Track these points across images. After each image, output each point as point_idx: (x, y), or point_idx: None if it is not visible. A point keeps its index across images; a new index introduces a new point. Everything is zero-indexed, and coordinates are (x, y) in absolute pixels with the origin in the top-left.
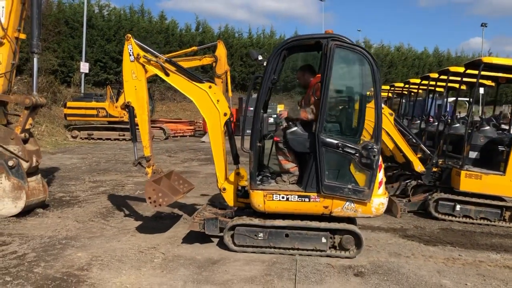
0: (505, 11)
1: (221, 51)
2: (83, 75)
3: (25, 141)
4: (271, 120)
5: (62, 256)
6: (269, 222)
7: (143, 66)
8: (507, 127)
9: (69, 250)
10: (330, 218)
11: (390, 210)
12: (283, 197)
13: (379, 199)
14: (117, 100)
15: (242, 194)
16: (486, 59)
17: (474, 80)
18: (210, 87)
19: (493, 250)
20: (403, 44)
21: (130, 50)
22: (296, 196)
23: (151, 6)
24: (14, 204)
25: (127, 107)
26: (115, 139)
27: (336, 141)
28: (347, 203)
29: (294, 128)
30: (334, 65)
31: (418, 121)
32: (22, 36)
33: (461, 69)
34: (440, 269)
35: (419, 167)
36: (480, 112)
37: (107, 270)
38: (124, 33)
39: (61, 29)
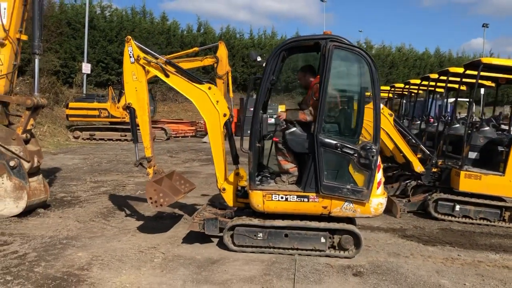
0: (507, 12)
1: (222, 52)
2: (85, 76)
3: (26, 141)
4: (272, 120)
5: (63, 255)
6: (268, 222)
7: (143, 67)
8: (507, 128)
9: (69, 250)
10: (329, 218)
11: (389, 210)
12: (282, 197)
13: (377, 199)
14: (118, 100)
15: (241, 194)
16: (485, 60)
17: (474, 80)
18: (209, 88)
19: (492, 250)
20: (404, 45)
21: (130, 52)
22: (295, 196)
23: (152, 7)
24: (16, 204)
25: (128, 108)
26: (116, 140)
27: (334, 142)
28: (346, 203)
29: (293, 129)
30: (332, 66)
31: (418, 122)
32: (24, 37)
33: (460, 70)
34: (439, 269)
35: (418, 167)
36: (480, 112)
37: (107, 270)
38: (126, 34)
39: (63, 30)
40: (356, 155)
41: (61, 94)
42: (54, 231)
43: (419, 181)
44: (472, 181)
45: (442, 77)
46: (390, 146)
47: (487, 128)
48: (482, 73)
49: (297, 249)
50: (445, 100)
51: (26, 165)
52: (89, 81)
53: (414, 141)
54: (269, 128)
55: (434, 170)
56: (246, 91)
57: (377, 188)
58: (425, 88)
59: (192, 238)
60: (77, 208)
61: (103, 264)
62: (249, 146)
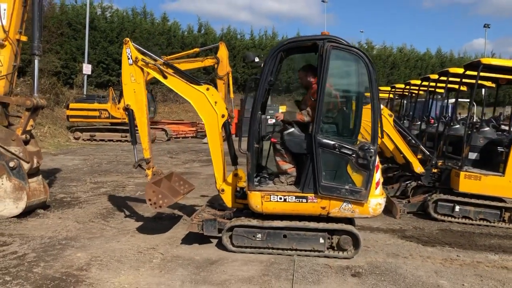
0: (508, 12)
1: (223, 52)
2: (85, 77)
3: (26, 142)
4: (273, 121)
5: (62, 256)
6: (267, 223)
7: (142, 69)
8: (507, 128)
9: (68, 251)
10: (328, 218)
11: (389, 211)
12: (280, 198)
13: (376, 200)
14: (119, 101)
15: (240, 195)
16: (485, 60)
17: (474, 81)
18: (207, 89)
19: (491, 251)
20: (405, 45)
21: (129, 54)
22: (294, 197)
23: (153, 7)
24: (15, 204)
25: (127, 110)
26: (117, 141)
27: (332, 142)
28: (344, 203)
29: (291, 129)
30: (330, 66)
31: (419, 122)
32: (23, 38)
33: (460, 70)
34: (437, 269)
35: (418, 168)
36: (481, 113)
37: (106, 270)
38: (126, 35)
39: (63, 30)
40: (354, 155)
41: (62, 95)
42: (53, 232)
43: (419, 182)
44: (472, 181)
45: (442, 78)
46: (390, 146)
47: (487, 128)
48: (482, 74)
49: (295, 249)
50: (446, 100)
51: (26, 166)
52: (90, 82)
53: (414, 141)
54: (269, 129)
55: (434, 170)
56: (244, 92)
57: (376, 188)
58: (426, 88)
59: (191, 239)
60: (76, 209)
61: (102, 264)
62: (247, 147)
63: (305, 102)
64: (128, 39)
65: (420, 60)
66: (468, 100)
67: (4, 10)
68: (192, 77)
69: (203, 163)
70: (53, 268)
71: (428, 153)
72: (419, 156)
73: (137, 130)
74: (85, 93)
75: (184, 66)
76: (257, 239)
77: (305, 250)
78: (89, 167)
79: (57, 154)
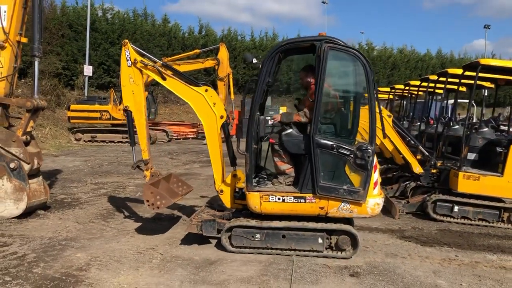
0: (508, 13)
1: (223, 54)
2: (86, 78)
3: (26, 143)
4: (272, 122)
5: (62, 256)
6: (266, 224)
7: (141, 71)
8: (506, 129)
9: (68, 251)
10: (326, 219)
11: (388, 211)
12: (279, 199)
13: (374, 200)
14: (120, 103)
15: (239, 195)
16: (483, 61)
17: (473, 82)
18: (206, 90)
19: (490, 251)
20: (406, 46)
21: (127, 55)
22: (292, 197)
23: (154, 9)
24: (16, 205)
25: (125, 111)
26: (118, 142)
27: (330, 143)
28: (343, 203)
29: (289, 130)
30: (327, 67)
31: (418, 123)
32: (24, 40)
33: (459, 71)
34: (436, 269)
35: (417, 168)
36: (480, 114)
37: (106, 271)
38: (127, 36)
39: (64, 32)
40: (352, 155)
41: (63, 97)
42: (53, 233)
43: (418, 182)
44: (470, 182)
45: (441, 79)
46: (390, 147)
47: (486, 129)
48: (481, 74)
49: (294, 250)
50: (445, 101)
51: (26, 167)
52: (91, 83)
53: (413, 142)
54: (267, 130)
55: (433, 171)
56: (248, 93)
57: (374, 188)
58: (425, 89)
59: (191, 239)
60: (77, 209)
61: (102, 265)
62: (246, 147)
63: (303, 102)
64: (127, 40)
65: (421, 61)
66: (467, 100)
67: (5, 12)
68: (190, 78)
69: (204, 164)
70: (52, 268)
71: (427, 154)
72: (418, 157)
73: (136, 131)
74: (86, 94)
75: (184, 67)
76: (256, 239)
77: (304, 250)
78: (90, 168)
79: (58, 155)
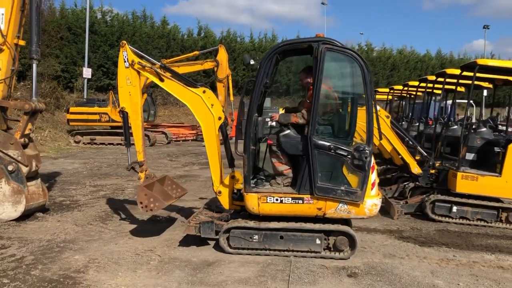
0: (507, 14)
1: (222, 55)
2: (85, 81)
3: (24, 146)
4: (273, 123)
5: (60, 259)
6: (264, 225)
7: (138, 72)
8: (504, 129)
9: (66, 253)
10: (324, 219)
11: (387, 212)
12: (277, 200)
13: (372, 200)
14: (119, 105)
15: (237, 197)
16: (481, 61)
17: (470, 82)
18: (204, 91)
19: (488, 250)
20: (405, 47)
21: (125, 57)
22: (290, 198)
23: (153, 11)
24: (14, 208)
25: (122, 112)
26: (117, 144)
27: (328, 144)
28: (340, 204)
29: (287, 131)
30: (325, 68)
31: (417, 124)
32: (22, 42)
33: (457, 71)
34: (433, 269)
35: (416, 169)
36: (479, 114)
37: (103, 272)
38: (126, 38)
39: (63, 34)
40: (349, 156)
41: (62, 99)
42: (52, 235)
43: (417, 183)
44: (469, 182)
45: (439, 79)
46: (388, 148)
47: (484, 129)
48: (479, 75)
49: (292, 250)
50: (444, 101)
51: (24, 170)
52: (90, 85)
53: (411, 143)
54: (265, 131)
55: (432, 171)
56: (247, 94)
57: (371, 189)
58: (423, 89)
59: (189, 241)
60: (75, 212)
61: (100, 266)
62: (244, 149)
63: (302, 104)
64: (125, 42)
65: (420, 62)
66: (466, 101)
67: (2, 14)
68: (188, 80)
69: (203, 166)
70: (50, 270)
71: (426, 154)
72: (417, 157)
73: (131, 132)
74: (85, 97)
75: (183, 69)
76: (254, 240)
77: (302, 251)
78: (89, 171)
79: (58, 158)
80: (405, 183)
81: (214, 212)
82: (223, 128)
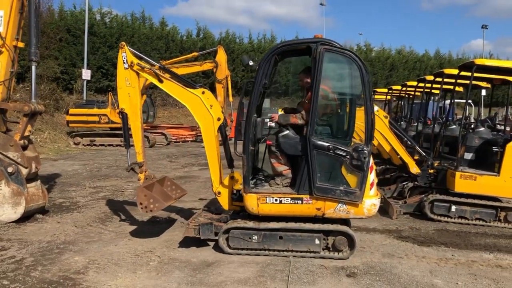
0: (505, 13)
1: (221, 56)
2: (85, 82)
3: (24, 147)
4: (272, 124)
5: (60, 260)
6: (263, 225)
7: (137, 73)
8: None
9: (66, 255)
10: (323, 219)
11: (386, 212)
12: (276, 200)
13: (371, 200)
14: (118, 106)
15: (237, 197)
16: (479, 61)
17: (468, 82)
18: (203, 92)
19: (486, 250)
20: (404, 47)
21: (124, 58)
22: (289, 199)
23: (152, 12)
24: (14, 210)
25: (121, 113)
26: (117, 145)
27: (327, 144)
28: (339, 204)
29: (286, 132)
30: (323, 69)
31: (416, 123)
32: (21, 44)
33: (455, 71)
34: (432, 269)
35: (414, 168)
36: (477, 113)
37: (103, 273)
38: (125, 40)
39: (62, 36)
40: (348, 156)
41: (62, 101)
42: (51, 236)
43: (416, 183)
44: (467, 181)
45: (437, 79)
46: (387, 148)
47: (482, 129)
48: (477, 74)
49: (291, 251)
50: (443, 101)
51: (24, 171)
52: (89, 87)
53: (410, 142)
54: (264, 132)
55: (430, 171)
56: (246, 95)
57: (370, 189)
58: (422, 90)
59: (188, 241)
60: (75, 213)
61: (99, 268)
62: (243, 149)
63: (302, 104)
64: (124, 43)
65: (419, 62)
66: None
67: (1, 17)
68: (187, 81)
69: (202, 166)
70: (50, 272)
71: (424, 154)
72: (416, 157)
73: (131, 133)
74: (84, 98)
75: (182, 70)
76: (253, 241)
77: (301, 251)
78: (89, 172)
79: (57, 160)
80: (404, 183)
81: (213, 213)
82: (222, 129)
